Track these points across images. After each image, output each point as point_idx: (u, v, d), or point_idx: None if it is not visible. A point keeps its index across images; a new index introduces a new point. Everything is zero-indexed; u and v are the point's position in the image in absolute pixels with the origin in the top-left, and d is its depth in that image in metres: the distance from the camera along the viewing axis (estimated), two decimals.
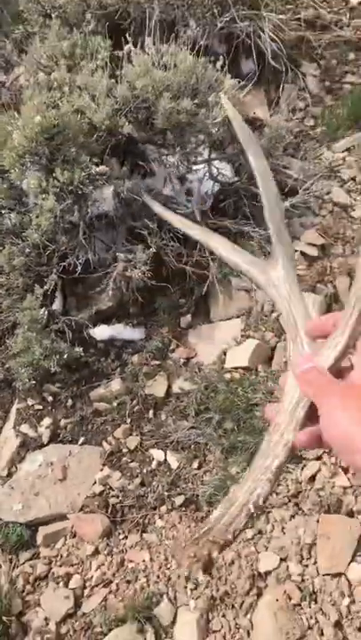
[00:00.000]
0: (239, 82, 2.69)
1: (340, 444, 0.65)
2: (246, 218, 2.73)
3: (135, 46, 2.63)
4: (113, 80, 2.48)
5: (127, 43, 2.51)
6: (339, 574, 2.15)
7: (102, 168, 2.37)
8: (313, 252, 2.70)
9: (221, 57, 2.60)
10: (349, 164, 2.97)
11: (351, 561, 2.18)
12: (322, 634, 2.00)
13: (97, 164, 2.44)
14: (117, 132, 2.47)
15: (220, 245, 1.01)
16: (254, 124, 3.11)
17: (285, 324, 0.86)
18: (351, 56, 3.39)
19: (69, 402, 2.71)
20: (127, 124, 2.35)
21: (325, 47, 3.37)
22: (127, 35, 2.62)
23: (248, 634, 2.11)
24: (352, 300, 0.76)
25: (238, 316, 2.73)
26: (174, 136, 2.49)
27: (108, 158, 2.65)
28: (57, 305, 2.80)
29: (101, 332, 2.79)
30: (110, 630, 2.11)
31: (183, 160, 2.58)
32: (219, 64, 2.51)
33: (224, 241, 1.02)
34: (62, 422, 2.66)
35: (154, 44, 2.49)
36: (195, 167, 2.74)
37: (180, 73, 2.37)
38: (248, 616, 2.14)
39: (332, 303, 2.65)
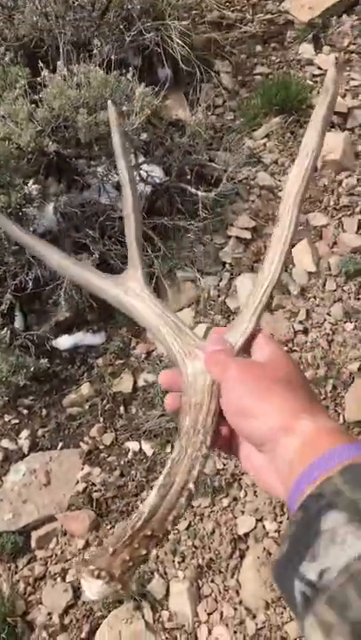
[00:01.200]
0: (154, 88, 2.86)
1: (236, 412, 0.66)
2: (181, 213, 2.90)
3: (53, 71, 2.80)
4: (33, 105, 2.64)
5: (42, 69, 2.67)
6: None
7: (36, 187, 2.52)
8: (247, 235, 2.88)
9: (132, 68, 2.77)
10: (270, 149, 3.16)
11: None
12: None
13: (33, 184, 2.59)
14: (45, 152, 2.62)
15: (62, 263, 0.89)
16: (177, 126, 3.29)
17: (161, 324, 0.80)
18: (258, 48, 3.60)
19: (44, 411, 2.84)
20: (51, 143, 2.50)
21: (233, 44, 3.57)
22: (42, 61, 2.78)
23: (237, 593, 2.27)
24: (257, 288, 0.80)
25: (188, 306, 2.89)
26: (99, 147, 2.66)
27: (43, 178, 2.81)
28: (18, 323, 2.94)
29: (64, 342, 2.94)
30: (110, 612, 2.25)
31: (112, 168, 2.74)
32: (129, 75, 2.68)
33: (66, 259, 0.90)
34: (40, 431, 2.80)
35: (66, 65, 2.65)
36: None
37: (93, 89, 2.54)
38: (235, 577, 2.29)
39: None
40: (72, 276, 0.89)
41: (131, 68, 2.71)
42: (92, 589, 0.63)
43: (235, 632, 2.19)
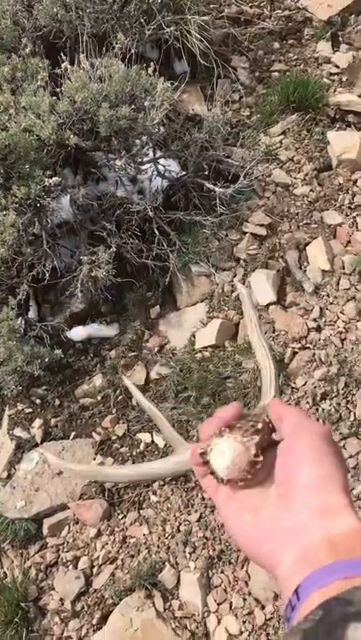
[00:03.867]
0: (172, 83, 2.88)
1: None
2: (197, 208, 2.92)
3: (72, 63, 2.81)
4: (55, 97, 2.66)
5: (63, 61, 2.68)
6: None
7: (55, 179, 2.54)
8: (262, 231, 2.90)
9: (153, 62, 2.78)
10: (286, 146, 3.18)
11: None
12: None
13: (50, 177, 2.61)
14: (65, 145, 2.64)
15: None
16: (194, 120, 3.31)
17: None
18: (276, 45, 3.60)
19: (56, 402, 2.87)
20: (72, 136, 2.52)
21: (251, 40, 3.57)
22: (62, 53, 2.79)
23: (246, 584, 2.31)
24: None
25: (202, 300, 2.92)
26: (118, 141, 2.67)
27: (61, 170, 2.83)
28: (32, 313, 2.97)
29: (78, 333, 2.96)
30: (121, 600, 2.30)
31: (130, 162, 2.76)
32: (150, 69, 2.70)
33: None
34: (52, 421, 2.83)
35: (87, 58, 2.66)
36: (143, 167, 2.92)
37: (115, 83, 2.55)
38: (244, 568, 2.33)
39: (284, 276, 2.86)
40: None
41: (152, 63, 2.71)
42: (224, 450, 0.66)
43: (243, 622, 2.24)
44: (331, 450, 0.63)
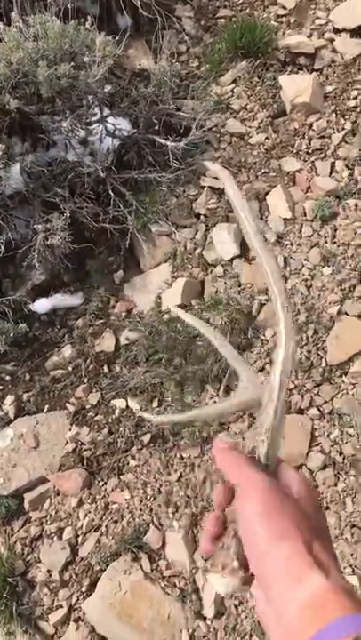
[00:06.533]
0: (114, 37, 2.76)
1: (250, 545, 0.63)
2: (151, 165, 2.84)
3: (8, 24, 2.67)
4: None
5: None
6: (300, 466, 2.36)
7: (0, 147, 2.44)
8: (220, 184, 2.83)
9: (90, 16, 2.67)
10: (238, 94, 3.09)
11: (308, 452, 2.40)
12: None
13: None
14: (7, 111, 2.53)
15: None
16: (142, 76, 3.20)
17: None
18: None
19: (27, 376, 2.82)
20: (12, 100, 2.41)
21: None
22: None
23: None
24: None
25: (165, 261, 2.86)
26: (62, 102, 2.57)
27: (7, 137, 2.72)
28: None
29: (42, 306, 2.90)
30: (108, 565, 2.30)
31: (76, 123, 2.66)
32: (87, 24, 2.58)
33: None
34: (24, 396, 2.78)
35: (21, 16, 2.54)
36: (92, 128, 2.83)
37: (51, 40, 2.44)
38: None
39: None
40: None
41: (89, 17, 2.60)
42: (221, 584, 0.66)
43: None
44: (276, 504, 0.62)
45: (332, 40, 3.22)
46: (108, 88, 2.83)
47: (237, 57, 3.17)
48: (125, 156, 2.87)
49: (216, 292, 2.70)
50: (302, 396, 2.46)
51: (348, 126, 2.98)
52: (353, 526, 2.25)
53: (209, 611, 2.21)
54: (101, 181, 2.74)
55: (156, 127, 2.87)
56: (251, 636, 2.17)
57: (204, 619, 2.20)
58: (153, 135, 2.82)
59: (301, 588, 0.56)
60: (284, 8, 3.38)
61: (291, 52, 3.21)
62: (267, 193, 2.86)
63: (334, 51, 3.20)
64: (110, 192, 2.75)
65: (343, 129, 2.98)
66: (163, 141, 2.79)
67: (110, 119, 2.83)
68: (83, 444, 2.60)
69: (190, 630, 2.17)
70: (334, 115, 3.02)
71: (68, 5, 2.79)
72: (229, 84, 3.12)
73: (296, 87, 3.03)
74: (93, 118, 2.76)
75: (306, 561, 0.57)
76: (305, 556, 0.58)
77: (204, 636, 2.17)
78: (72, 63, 2.48)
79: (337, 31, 3.26)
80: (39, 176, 2.80)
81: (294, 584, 0.56)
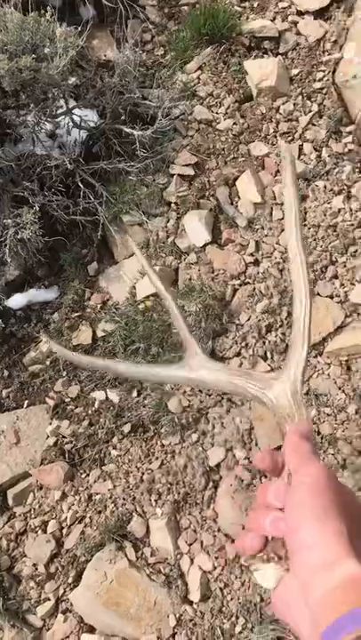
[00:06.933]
0: (77, 28, 2.74)
1: (291, 529, 0.66)
2: (120, 155, 2.83)
3: None
4: None
5: None
6: (278, 447, 2.38)
7: None
8: (189, 171, 2.83)
9: (50, 7, 2.64)
10: (205, 81, 3.08)
11: None
12: None
13: None
14: None
15: (130, 369, 1.00)
16: (107, 66, 3.18)
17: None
18: None
19: (5, 373, 2.82)
20: None
21: None
22: None
23: (215, 521, 2.34)
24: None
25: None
26: (26, 95, 2.55)
27: None
28: None
29: (17, 301, 2.89)
30: (93, 556, 2.30)
31: (41, 116, 2.64)
32: (48, 15, 2.56)
33: (128, 364, 1.04)
34: (4, 393, 2.78)
35: None
36: (58, 120, 2.80)
37: (10, 32, 2.42)
38: (211, 507, 2.35)
39: (217, 215, 2.81)
40: (141, 375, 0.99)
41: (49, 8, 2.57)
42: (273, 575, 0.68)
43: (216, 558, 2.27)
44: (323, 500, 0.64)
45: (295, 23, 3.22)
46: (72, 80, 2.81)
47: (202, 43, 3.16)
48: (93, 147, 2.86)
49: (190, 279, 2.70)
50: None
51: (315, 108, 2.99)
52: None
53: (195, 595, 2.23)
54: (70, 173, 2.73)
55: (123, 117, 2.86)
56: (237, 617, 2.19)
57: (191, 603, 2.22)
58: (120, 125, 2.81)
59: (339, 570, 0.59)
60: None
61: (255, 37, 3.20)
62: (236, 178, 2.86)
63: (298, 33, 3.20)
64: (80, 184, 2.74)
65: (310, 111, 2.99)
66: (130, 131, 2.78)
67: (77, 111, 2.81)
68: (64, 437, 2.60)
69: (177, 615, 2.19)
70: (301, 97, 3.02)
71: None
72: (195, 71, 3.12)
73: (261, 71, 3.03)
74: (59, 111, 2.74)
75: (346, 547, 0.60)
76: (346, 543, 0.61)
77: (191, 620, 2.19)
78: (33, 55, 2.46)
79: (300, 13, 3.25)
80: (8, 171, 2.78)
81: (331, 567, 0.59)
